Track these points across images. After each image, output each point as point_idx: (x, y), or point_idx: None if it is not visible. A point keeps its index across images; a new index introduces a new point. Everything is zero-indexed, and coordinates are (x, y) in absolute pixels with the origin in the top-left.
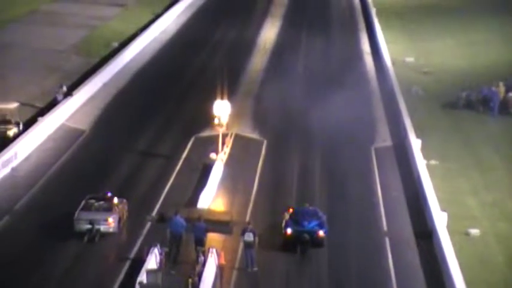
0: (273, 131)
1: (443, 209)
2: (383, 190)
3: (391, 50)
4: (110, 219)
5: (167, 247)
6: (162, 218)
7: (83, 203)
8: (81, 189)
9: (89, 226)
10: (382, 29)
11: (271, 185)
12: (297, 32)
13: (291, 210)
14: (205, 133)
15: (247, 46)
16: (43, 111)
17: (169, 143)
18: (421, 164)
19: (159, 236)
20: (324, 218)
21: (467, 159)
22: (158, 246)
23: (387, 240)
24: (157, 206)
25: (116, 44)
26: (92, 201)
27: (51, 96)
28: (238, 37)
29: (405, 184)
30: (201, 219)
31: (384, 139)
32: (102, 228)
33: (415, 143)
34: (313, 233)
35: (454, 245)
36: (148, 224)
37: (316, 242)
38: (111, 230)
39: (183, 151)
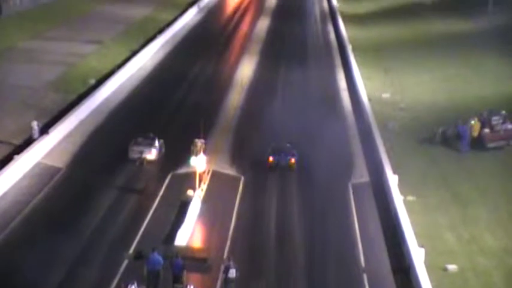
0: (250, 167)
1: (420, 245)
2: (361, 226)
3: (368, 86)
4: (153, 150)
5: (145, 285)
6: (139, 256)
7: (133, 140)
8: (57, 228)
9: (139, 155)
10: (358, 65)
11: (249, 222)
12: (273, 68)
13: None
14: (183, 170)
15: (224, 82)
16: (19, 148)
17: (147, 180)
18: (398, 199)
19: (136, 274)
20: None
21: (445, 194)
22: (135, 284)
23: (365, 276)
24: (134, 244)
25: (92, 81)
26: (140, 139)
27: (27, 133)
28: (215, 73)
29: (383, 220)
30: (178, 256)
31: (361, 175)
32: (148, 156)
33: (392, 179)
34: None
35: (431, 280)
36: (126, 262)
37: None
38: (153, 157)
39: (160, 188)
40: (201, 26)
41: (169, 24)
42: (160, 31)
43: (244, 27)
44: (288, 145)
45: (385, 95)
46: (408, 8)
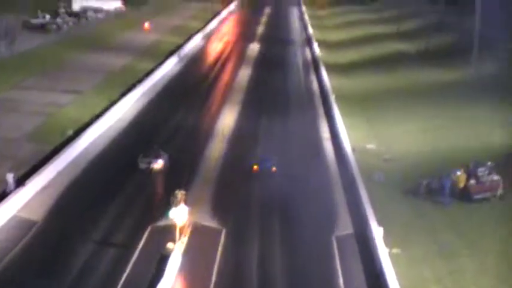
0: (232, 219)
1: None
2: (345, 280)
3: (352, 136)
4: (159, 161)
5: None
6: None
7: (142, 154)
8: (32, 283)
9: (148, 165)
10: (342, 115)
11: (230, 276)
12: (255, 117)
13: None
14: (162, 222)
15: (205, 132)
16: None
17: (125, 233)
18: (383, 252)
19: None
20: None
21: (431, 246)
22: None
23: None
24: None
25: (70, 132)
26: (149, 152)
27: (2, 185)
28: (196, 123)
29: (367, 273)
30: None
31: (345, 227)
32: (155, 166)
33: (377, 231)
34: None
35: None
36: None
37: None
38: (159, 167)
39: (139, 241)
40: (181, 75)
41: (148, 73)
42: (140, 81)
43: (226, 76)
44: (272, 157)
45: (370, 146)
46: (392, 57)
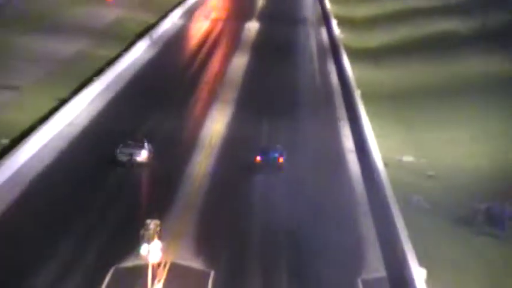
0: (224, 258)
1: None
2: None
3: (383, 146)
4: (143, 152)
5: None
6: None
7: (121, 144)
8: None
9: (129, 157)
10: (371, 117)
11: None
12: (253, 123)
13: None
14: (129, 262)
15: (186, 142)
16: None
17: (80, 275)
18: None
19: None
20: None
21: None
22: None
23: None
24: None
25: (6, 141)
26: (130, 142)
27: None
28: (173, 129)
29: None
30: None
31: (375, 268)
32: (138, 158)
33: (418, 274)
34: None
35: None
36: None
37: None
38: (143, 159)
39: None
40: (155, 65)
41: (110, 62)
42: (99, 73)
43: (215, 66)
44: (277, 146)
45: (407, 158)
46: (436, 39)
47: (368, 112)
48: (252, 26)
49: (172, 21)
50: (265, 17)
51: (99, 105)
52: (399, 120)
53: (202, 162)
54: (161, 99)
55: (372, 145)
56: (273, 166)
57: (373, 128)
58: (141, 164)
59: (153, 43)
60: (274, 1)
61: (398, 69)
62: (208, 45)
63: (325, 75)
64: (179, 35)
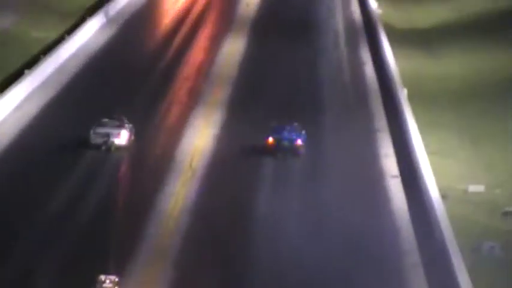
0: None
1: None
2: None
3: (440, 168)
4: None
5: None
6: None
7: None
8: None
9: (105, 138)
10: (422, 128)
11: None
12: (253, 134)
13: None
14: None
15: (158, 163)
16: None
17: None
18: None
19: None
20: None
21: None
22: None
23: None
24: None
25: None
26: (106, 120)
27: None
28: (141, 145)
29: None
30: None
31: None
32: (116, 140)
33: None
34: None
35: None
36: None
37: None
38: (123, 142)
39: None
40: (113, 52)
41: (48, 49)
42: (31, 64)
43: (198, 54)
44: (295, 124)
45: (475, 188)
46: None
47: (418, 120)
48: None
49: None
50: None
51: (33, 107)
52: (463, 131)
53: (178, 194)
54: (120, 101)
55: (424, 168)
56: (289, 150)
57: (426, 144)
58: (119, 148)
59: (110, 21)
60: None
61: (461, 59)
62: (188, 23)
63: (356, 66)
64: (147, 9)
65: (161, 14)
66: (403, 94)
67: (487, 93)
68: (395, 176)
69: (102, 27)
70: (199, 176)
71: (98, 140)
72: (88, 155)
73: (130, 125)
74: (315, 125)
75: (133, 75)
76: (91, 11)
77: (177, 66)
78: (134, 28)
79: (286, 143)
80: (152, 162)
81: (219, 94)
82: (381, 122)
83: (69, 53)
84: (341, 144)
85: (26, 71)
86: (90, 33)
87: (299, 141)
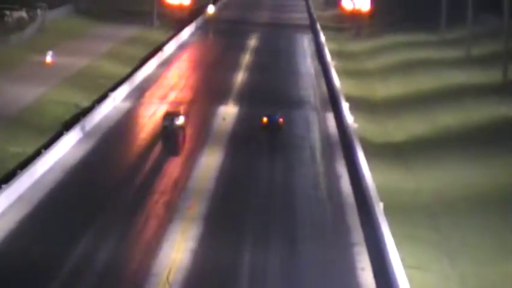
0: None
1: None
2: None
3: (416, 282)
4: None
5: None
6: None
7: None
8: None
9: (171, 121)
10: (398, 241)
11: None
12: (229, 245)
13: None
14: None
15: (133, 278)
16: None
17: None
18: None
19: None
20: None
21: None
22: None
23: None
24: None
25: None
26: (170, 112)
27: None
28: (115, 261)
29: None
30: None
31: None
32: (177, 122)
33: None
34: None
35: None
36: None
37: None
38: (181, 123)
39: None
40: (90, 168)
41: (24, 165)
42: (8, 178)
43: (174, 169)
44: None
45: None
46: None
47: (395, 234)
48: (228, 112)
49: (113, 104)
50: (247, 98)
51: (3, 228)
52: (438, 244)
53: None
54: (97, 217)
55: (400, 281)
56: (275, 127)
57: (402, 257)
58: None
59: (86, 136)
60: (261, 73)
61: (434, 172)
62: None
63: (332, 181)
64: (124, 124)
65: (138, 128)
66: (379, 208)
67: (460, 207)
68: None
69: (78, 142)
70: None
71: (166, 123)
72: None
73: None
74: (290, 241)
75: (110, 189)
76: (67, 126)
77: (154, 180)
78: (111, 142)
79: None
80: (129, 276)
81: (196, 208)
82: (357, 236)
83: (45, 168)
84: (316, 259)
85: (3, 186)
86: (66, 148)
87: (281, 120)
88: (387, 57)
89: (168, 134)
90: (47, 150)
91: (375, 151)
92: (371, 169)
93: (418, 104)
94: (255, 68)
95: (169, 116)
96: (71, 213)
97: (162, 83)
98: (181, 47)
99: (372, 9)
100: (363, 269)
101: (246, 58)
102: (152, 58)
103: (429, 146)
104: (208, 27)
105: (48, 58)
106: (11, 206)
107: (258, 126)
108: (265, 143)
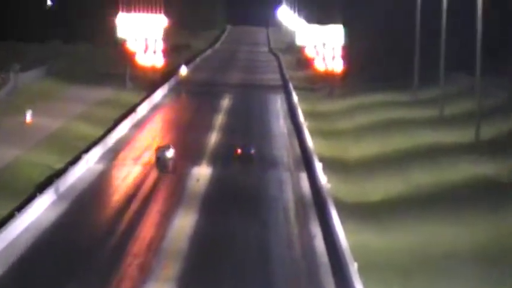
0: None
1: None
2: None
3: None
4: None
5: None
6: None
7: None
8: None
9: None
10: None
11: None
12: None
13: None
14: None
15: None
16: None
17: None
18: None
19: None
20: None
21: None
22: None
23: None
24: None
25: None
26: (161, 147)
27: None
28: None
29: None
30: None
31: None
32: (167, 154)
33: None
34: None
35: None
36: None
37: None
38: (171, 155)
39: None
40: (63, 230)
41: None
42: None
43: (148, 230)
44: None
45: None
46: (475, 187)
47: None
48: (202, 173)
49: (87, 166)
50: (221, 159)
51: None
52: None
53: None
54: (72, 279)
55: None
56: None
57: None
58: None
59: (60, 198)
60: (234, 134)
61: (408, 232)
62: (138, 202)
63: (306, 241)
64: (97, 185)
65: (111, 190)
66: (353, 268)
67: (433, 266)
68: None
69: (51, 205)
70: None
71: (158, 155)
72: None
73: (173, 149)
74: None
75: (83, 251)
76: (40, 188)
77: (127, 242)
78: (83, 205)
79: (247, 153)
80: None
81: (170, 269)
82: None
83: (18, 230)
84: None
85: None
86: (39, 210)
87: (252, 151)
88: (360, 117)
89: (161, 164)
90: (20, 213)
91: (348, 211)
92: (345, 229)
93: (392, 164)
94: (228, 129)
95: (161, 149)
96: (43, 277)
97: (135, 145)
98: (154, 109)
99: (344, 70)
100: None
101: (219, 119)
102: (125, 120)
103: (404, 205)
104: (181, 88)
105: (28, 117)
106: None
107: (232, 186)
108: (239, 203)
